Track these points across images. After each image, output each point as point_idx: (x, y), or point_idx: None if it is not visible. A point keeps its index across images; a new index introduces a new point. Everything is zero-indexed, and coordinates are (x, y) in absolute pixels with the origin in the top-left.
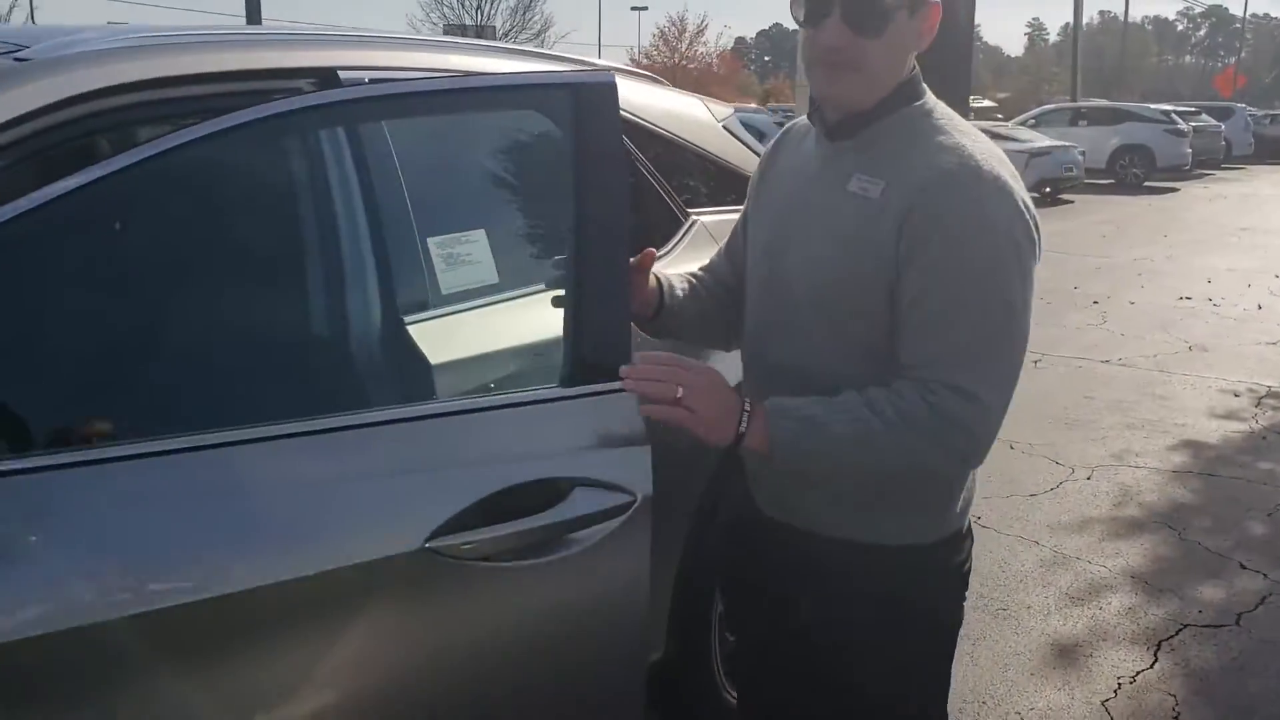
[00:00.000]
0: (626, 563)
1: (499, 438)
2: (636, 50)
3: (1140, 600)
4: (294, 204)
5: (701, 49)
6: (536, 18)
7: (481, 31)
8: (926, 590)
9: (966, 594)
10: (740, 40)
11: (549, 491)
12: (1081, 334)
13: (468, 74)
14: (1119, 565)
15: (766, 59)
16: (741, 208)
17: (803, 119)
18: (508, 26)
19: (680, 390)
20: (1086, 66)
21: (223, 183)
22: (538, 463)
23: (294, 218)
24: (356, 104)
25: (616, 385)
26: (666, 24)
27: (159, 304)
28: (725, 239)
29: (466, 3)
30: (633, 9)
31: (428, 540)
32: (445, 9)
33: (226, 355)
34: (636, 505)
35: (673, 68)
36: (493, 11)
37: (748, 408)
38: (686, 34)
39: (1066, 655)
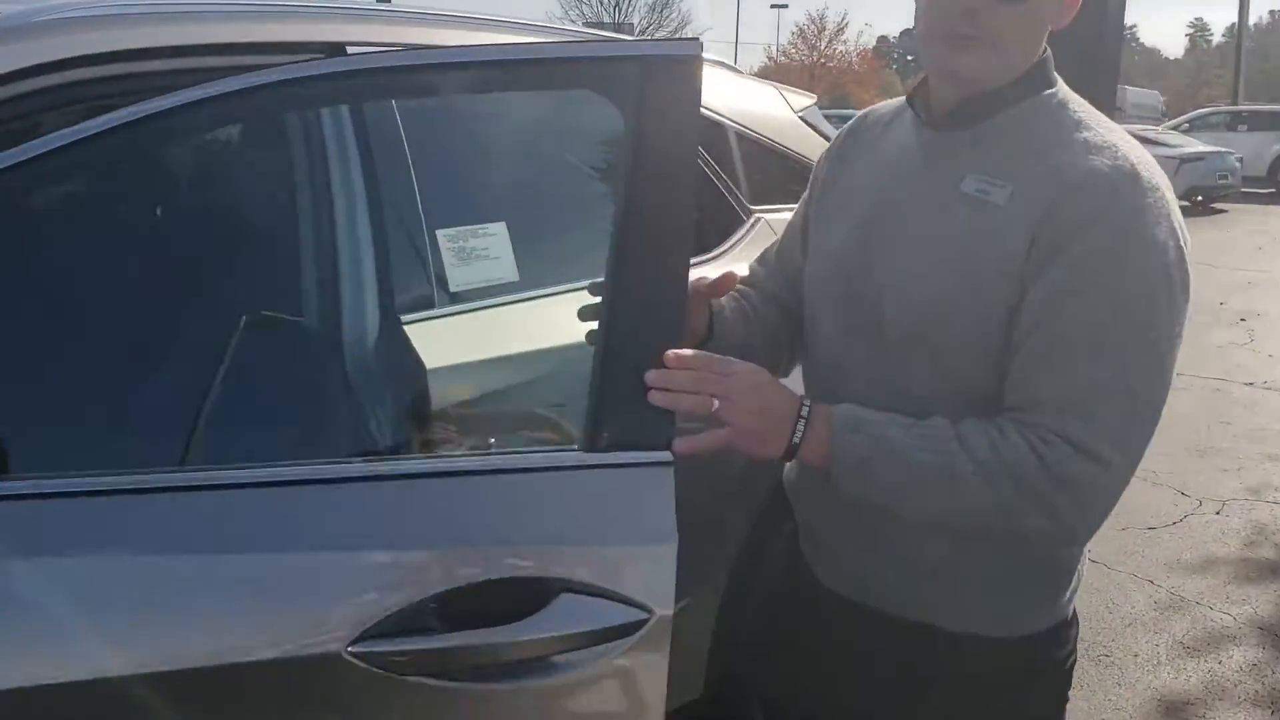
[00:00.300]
0: (629, 702)
1: (478, 513)
2: (775, 49)
3: (1268, 655)
4: (274, 190)
5: (841, 47)
6: (674, 15)
7: (619, 29)
8: (1022, 691)
9: (1070, 693)
10: (882, 39)
11: (533, 594)
12: (1224, 353)
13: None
14: (1245, 614)
15: (909, 58)
16: (797, 207)
17: (883, 105)
18: (645, 24)
19: (715, 403)
20: (1253, 69)
21: (190, 165)
22: (525, 551)
23: (269, 205)
24: (367, 76)
25: (652, 459)
26: (806, 22)
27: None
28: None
29: (605, 0)
30: (772, 6)
31: (353, 643)
32: (584, 7)
33: (122, 374)
34: (651, 625)
35: (811, 66)
36: (630, 9)
37: (805, 412)
38: (826, 32)
39: (1175, 713)
